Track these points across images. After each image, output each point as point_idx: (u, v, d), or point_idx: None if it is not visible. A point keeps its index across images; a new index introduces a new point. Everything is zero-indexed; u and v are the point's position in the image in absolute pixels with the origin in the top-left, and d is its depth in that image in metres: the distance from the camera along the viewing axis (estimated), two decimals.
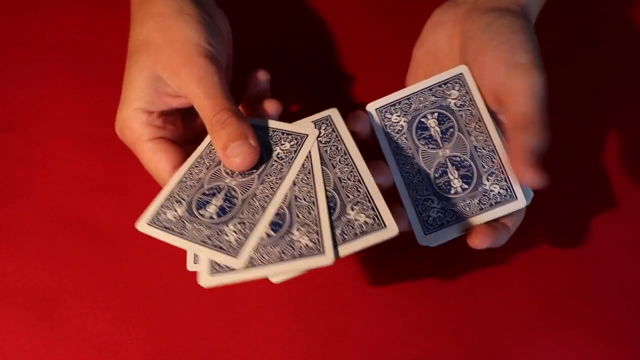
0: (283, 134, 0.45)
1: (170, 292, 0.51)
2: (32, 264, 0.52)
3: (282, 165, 0.43)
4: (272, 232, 0.40)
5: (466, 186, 0.44)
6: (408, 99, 0.47)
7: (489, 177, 0.44)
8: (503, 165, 0.44)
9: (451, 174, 0.44)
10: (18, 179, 0.55)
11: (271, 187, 0.42)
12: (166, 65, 0.44)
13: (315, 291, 0.51)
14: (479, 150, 0.44)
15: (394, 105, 0.47)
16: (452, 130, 0.45)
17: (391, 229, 0.39)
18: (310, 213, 0.41)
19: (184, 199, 0.43)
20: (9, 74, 0.58)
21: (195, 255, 0.51)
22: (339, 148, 0.43)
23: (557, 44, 0.59)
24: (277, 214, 0.41)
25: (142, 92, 0.45)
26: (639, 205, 0.54)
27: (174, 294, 0.51)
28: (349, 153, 0.43)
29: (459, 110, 0.46)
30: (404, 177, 0.45)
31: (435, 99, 0.47)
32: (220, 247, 0.40)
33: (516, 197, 0.43)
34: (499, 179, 0.44)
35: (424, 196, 0.44)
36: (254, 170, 0.44)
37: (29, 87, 0.58)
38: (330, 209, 0.41)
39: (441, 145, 0.45)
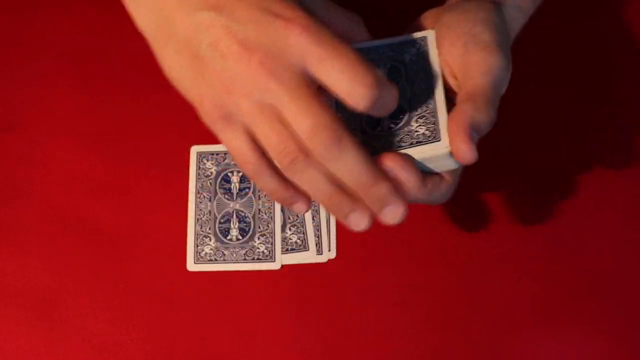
0: (401, 44, 0.46)
1: (170, 292, 0.51)
2: (32, 264, 0.52)
3: (425, 67, 0.44)
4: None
5: (392, 125, 0.43)
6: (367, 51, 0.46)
7: (418, 120, 0.43)
8: (437, 111, 0.43)
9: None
10: (18, 179, 0.55)
11: (428, 88, 0.44)
12: None
13: (317, 290, 0.51)
14: (417, 95, 0.44)
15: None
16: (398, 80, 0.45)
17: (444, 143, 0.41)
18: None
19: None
20: (9, 74, 0.58)
21: (196, 255, 0.51)
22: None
23: (556, 41, 0.59)
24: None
25: None
26: (639, 203, 0.54)
27: (174, 294, 0.51)
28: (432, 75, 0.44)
29: (412, 64, 0.45)
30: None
31: (392, 54, 0.46)
32: (420, 142, 0.42)
33: (440, 138, 0.42)
34: (428, 122, 0.43)
35: (353, 131, 0.43)
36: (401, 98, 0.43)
37: (29, 87, 0.58)
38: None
39: None
